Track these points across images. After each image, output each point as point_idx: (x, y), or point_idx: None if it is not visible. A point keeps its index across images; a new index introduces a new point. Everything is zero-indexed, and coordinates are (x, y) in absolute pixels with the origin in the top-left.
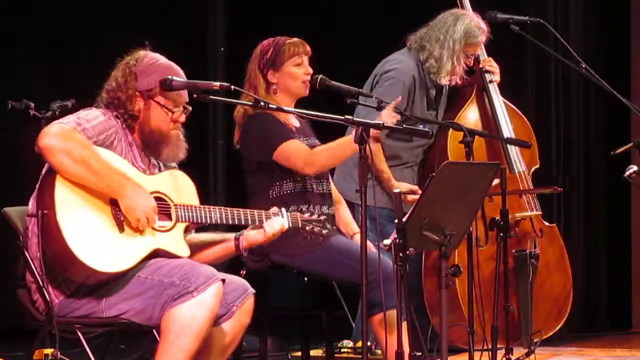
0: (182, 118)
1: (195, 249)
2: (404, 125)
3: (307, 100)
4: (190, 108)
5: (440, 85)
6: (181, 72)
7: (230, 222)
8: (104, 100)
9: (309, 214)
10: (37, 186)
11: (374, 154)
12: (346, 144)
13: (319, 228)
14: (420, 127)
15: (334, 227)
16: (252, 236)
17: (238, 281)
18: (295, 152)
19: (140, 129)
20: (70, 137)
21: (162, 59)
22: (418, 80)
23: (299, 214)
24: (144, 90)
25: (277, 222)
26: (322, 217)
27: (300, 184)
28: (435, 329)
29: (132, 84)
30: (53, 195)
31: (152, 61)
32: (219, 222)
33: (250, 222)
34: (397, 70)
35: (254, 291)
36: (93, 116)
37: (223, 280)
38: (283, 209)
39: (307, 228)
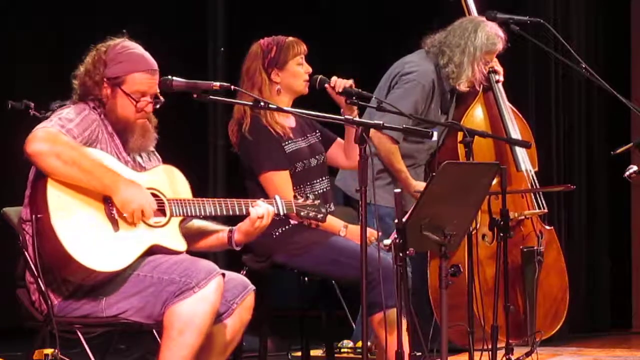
0: (149, 108)
1: (192, 236)
2: (404, 126)
3: (307, 100)
4: (162, 99)
5: (453, 89)
6: (153, 62)
7: (225, 212)
8: (76, 88)
9: (302, 199)
10: (29, 192)
11: (391, 153)
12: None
13: (314, 212)
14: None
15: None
16: (243, 226)
17: (238, 278)
18: (277, 187)
19: (107, 116)
20: (58, 139)
21: (135, 48)
22: (437, 84)
23: (293, 200)
24: (111, 78)
25: (262, 206)
26: (316, 202)
27: (302, 184)
28: (439, 324)
29: (99, 71)
30: (46, 199)
31: (123, 50)
32: (213, 214)
33: (244, 211)
34: (417, 72)
35: (254, 288)
36: (73, 114)
37: (223, 275)
38: (277, 196)
39: (302, 214)
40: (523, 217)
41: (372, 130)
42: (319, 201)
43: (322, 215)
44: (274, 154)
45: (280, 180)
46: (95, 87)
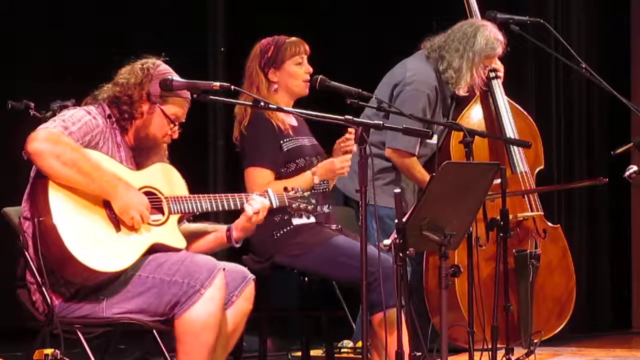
0: (176, 135)
1: (189, 238)
2: (404, 126)
3: (306, 100)
4: (180, 129)
5: (454, 94)
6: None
7: (221, 208)
8: (110, 94)
9: (293, 192)
10: (29, 189)
11: (411, 167)
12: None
13: (304, 204)
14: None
15: (338, 226)
16: (240, 223)
17: (237, 269)
18: (253, 183)
19: (136, 131)
20: (59, 140)
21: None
22: (439, 89)
23: (284, 192)
24: (154, 95)
25: (258, 201)
26: (306, 194)
27: None
28: (436, 328)
29: (147, 85)
30: (47, 201)
31: (168, 70)
32: (209, 209)
33: (239, 206)
34: (420, 81)
35: (254, 277)
36: (77, 118)
37: (224, 269)
38: (269, 189)
39: (294, 206)
40: (521, 219)
41: (388, 150)
42: (308, 193)
43: (312, 206)
44: (265, 152)
45: (258, 178)
46: (137, 101)
